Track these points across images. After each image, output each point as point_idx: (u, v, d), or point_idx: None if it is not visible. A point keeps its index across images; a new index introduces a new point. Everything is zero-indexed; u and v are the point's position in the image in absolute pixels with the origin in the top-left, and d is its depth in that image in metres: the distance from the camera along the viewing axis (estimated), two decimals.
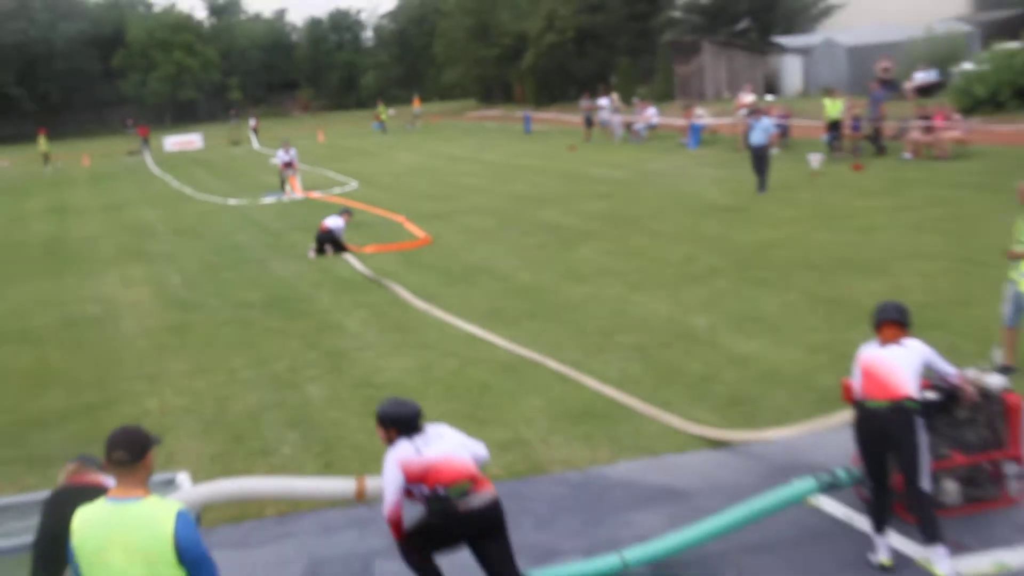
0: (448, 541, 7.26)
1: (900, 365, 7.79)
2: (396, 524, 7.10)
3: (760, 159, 26.68)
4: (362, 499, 7.89)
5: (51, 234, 31.40)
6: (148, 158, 60.49)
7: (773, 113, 33.28)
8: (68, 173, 55.69)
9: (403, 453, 7.07)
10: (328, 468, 10.60)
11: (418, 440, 7.15)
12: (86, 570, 5.23)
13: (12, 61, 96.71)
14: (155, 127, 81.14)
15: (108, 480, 7.11)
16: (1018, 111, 33.58)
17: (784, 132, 35.50)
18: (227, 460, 10.91)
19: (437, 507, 7.06)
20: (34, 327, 18.36)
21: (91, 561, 5.19)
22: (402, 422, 7.22)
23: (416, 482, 7.03)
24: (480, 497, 7.08)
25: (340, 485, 7.90)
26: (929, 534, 7.56)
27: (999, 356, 9.38)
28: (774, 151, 33.23)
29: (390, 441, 7.21)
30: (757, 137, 26.81)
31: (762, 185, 26.45)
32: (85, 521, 5.28)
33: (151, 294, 20.49)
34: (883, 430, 7.69)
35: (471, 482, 7.11)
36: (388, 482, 7.06)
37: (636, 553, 7.95)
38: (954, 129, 30.09)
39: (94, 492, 6.87)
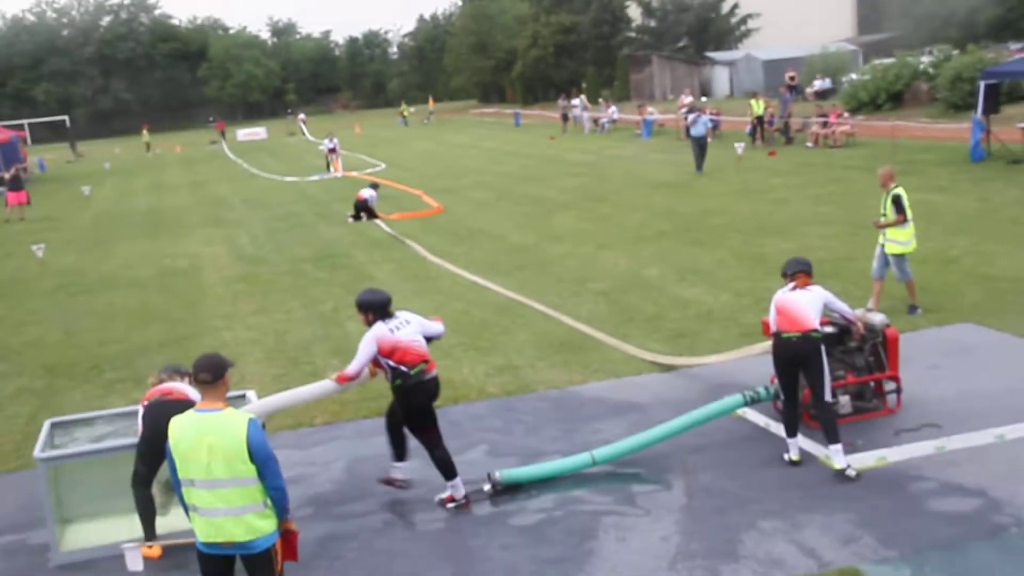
0: (409, 412, 7.45)
1: (807, 305, 7.72)
2: (351, 378, 7.35)
3: (700, 147, 26.34)
4: (374, 375, 7.66)
5: (151, 205, 31.11)
6: (224, 146, 59.96)
7: (708, 111, 32.88)
8: (164, 158, 55.20)
9: (380, 331, 7.25)
10: (362, 387, 10.36)
11: (391, 322, 7.32)
12: (180, 464, 5.19)
13: (123, 73, 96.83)
14: (230, 122, 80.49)
15: (189, 390, 7.04)
16: (892, 111, 33.57)
17: (716, 126, 35.15)
18: (286, 380, 10.76)
19: (400, 381, 7.26)
20: (139, 276, 18.19)
21: (184, 457, 5.15)
22: (375, 306, 7.40)
23: (386, 355, 7.20)
24: (430, 374, 7.38)
25: None
26: (830, 436, 7.51)
27: (869, 303, 9.37)
28: (709, 140, 33.01)
29: (368, 323, 7.37)
30: (698, 130, 26.47)
31: (699, 167, 26.08)
32: (179, 427, 5.22)
33: (226, 251, 20.30)
34: (796, 355, 7.63)
35: (425, 363, 7.33)
36: (363, 350, 7.24)
37: (603, 452, 7.90)
38: (844, 124, 29.89)
39: (181, 405, 6.83)
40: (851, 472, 7.36)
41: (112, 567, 6.93)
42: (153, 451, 6.89)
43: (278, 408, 7.79)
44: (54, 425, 7.76)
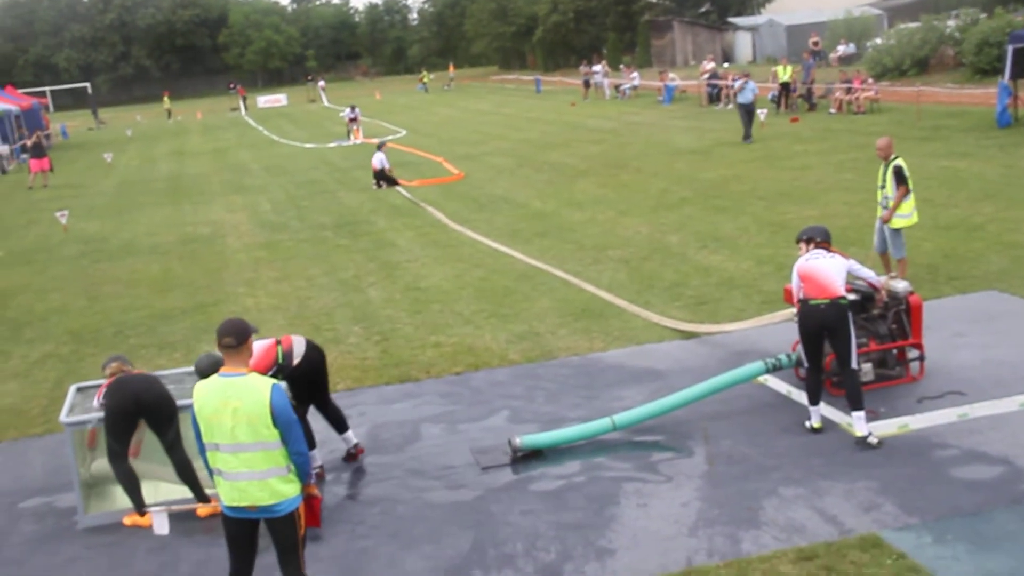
0: (307, 389, 7.44)
1: (834, 272, 7.69)
2: None
3: (748, 113, 25.40)
4: None
5: (172, 172, 31.19)
6: (245, 112, 59.92)
7: (729, 77, 32.44)
8: (185, 125, 55.27)
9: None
10: (384, 353, 10.53)
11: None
12: (204, 429, 5.21)
13: (144, 40, 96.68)
14: (251, 89, 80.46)
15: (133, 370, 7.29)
16: (917, 76, 32.97)
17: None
18: None
19: (282, 375, 7.20)
20: (161, 243, 18.26)
21: (209, 421, 5.16)
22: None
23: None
24: (297, 348, 7.29)
25: None
26: (854, 403, 7.47)
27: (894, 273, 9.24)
28: (729, 107, 32.71)
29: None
30: (745, 96, 25.55)
31: (747, 135, 25.04)
32: (204, 391, 5.22)
33: (248, 218, 20.33)
34: (823, 322, 7.58)
35: (279, 343, 7.25)
36: None
37: (623, 418, 7.88)
38: (868, 90, 29.45)
39: (141, 378, 7.00)
40: (873, 439, 7.32)
41: (139, 530, 7.02)
42: (119, 423, 6.96)
43: None
44: (79, 390, 7.83)
